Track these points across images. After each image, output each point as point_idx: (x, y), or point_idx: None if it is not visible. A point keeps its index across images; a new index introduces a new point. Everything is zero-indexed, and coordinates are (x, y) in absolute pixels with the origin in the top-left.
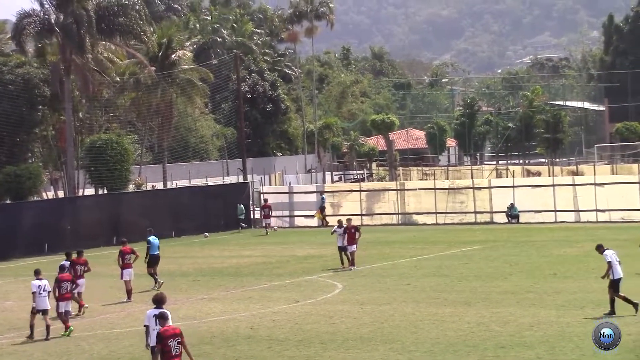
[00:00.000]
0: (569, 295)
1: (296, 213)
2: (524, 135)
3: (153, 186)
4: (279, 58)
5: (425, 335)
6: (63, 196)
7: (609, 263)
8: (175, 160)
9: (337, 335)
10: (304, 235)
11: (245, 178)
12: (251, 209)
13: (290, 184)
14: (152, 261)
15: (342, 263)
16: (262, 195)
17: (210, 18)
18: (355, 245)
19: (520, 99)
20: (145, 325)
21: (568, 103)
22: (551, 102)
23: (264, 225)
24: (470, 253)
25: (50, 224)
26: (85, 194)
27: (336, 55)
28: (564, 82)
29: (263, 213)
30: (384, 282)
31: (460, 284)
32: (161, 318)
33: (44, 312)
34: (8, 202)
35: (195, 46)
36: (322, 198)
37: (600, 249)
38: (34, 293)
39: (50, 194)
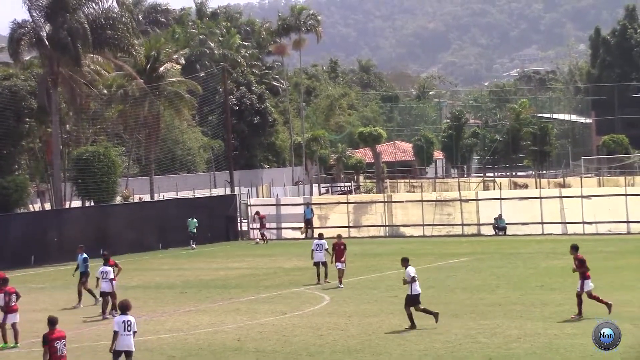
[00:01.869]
0: (556, 307)
1: (283, 225)
2: (511, 148)
3: (140, 198)
4: (266, 71)
5: (413, 347)
6: (50, 208)
7: (413, 278)
8: (163, 172)
9: (324, 347)
10: (291, 248)
11: (232, 190)
12: (238, 221)
13: (277, 196)
14: (87, 278)
15: (318, 279)
16: (249, 207)
17: (197, 31)
18: (344, 264)
19: (508, 111)
20: (114, 331)
21: (555, 116)
22: (538, 115)
23: (259, 235)
24: (457, 265)
25: (37, 236)
26: (72, 206)
27: (324, 68)
28: (551, 95)
29: (261, 223)
30: (372, 294)
31: (448, 296)
32: (50, 323)
33: None
34: None
35: (182, 58)
36: (308, 210)
37: (404, 262)
38: None
39: (37, 206)
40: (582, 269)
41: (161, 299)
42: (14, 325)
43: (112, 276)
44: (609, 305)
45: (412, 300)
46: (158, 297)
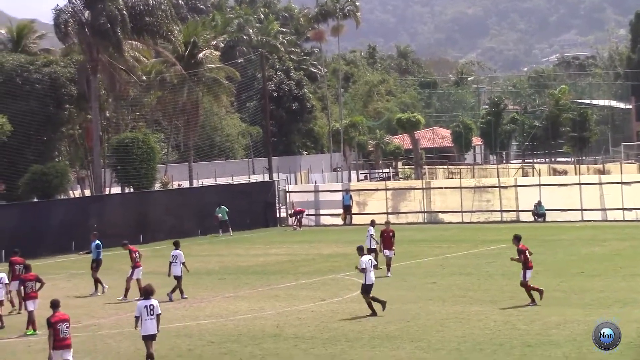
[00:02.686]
0: (596, 293)
1: (322, 212)
2: (550, 134)
3: (179, 185)
4: (304, 57)
5: (452, 334)
6: (90, 195)
7: (364, 269)
8: (201, 158)
9: (363, 333)
10: (330, 234)
11: (270, 177)
12: (277, 208)
13: (315, 183)
14: (99, 265)
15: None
16: (288, 194)
17: (235, 16)
18: (393, 251)
19: (547, 97)
20: (135, 317)
21: (594, 101)
22: (578, 101)
23: (295, 223)
24: (496, 252)
25: (78, 223)
26: (112, 192)
27: (362, 53)
28: (590, 81)
29: (297, 218)
30: (410, 281)
31: (487, 283)
32: (53, 306)
33: None
34: (35, 200)
35: (221, 45)
36: (347, 196)
37: (360, 251)
38: None
39: (77, 193)
40: (524, 258)
41: (200, 285)
42: (30, 313)
43: (183, 259)
44: (540, 292)
45: (367, 289)
46: (197, 283)
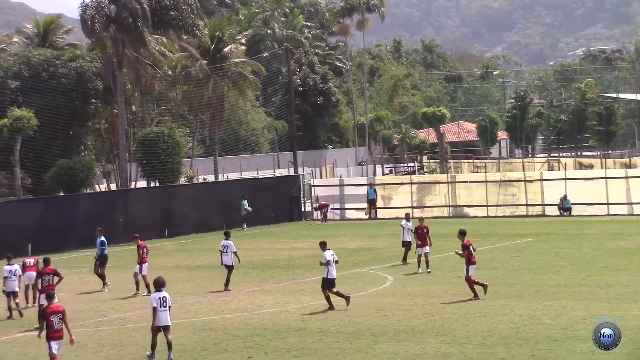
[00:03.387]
0: (622, 288)
1: (347, 205)
2: (576, 128)
3: (204, 179)
4: (329, 51)
5: (477, 328)
6: (116, 189)
7: (328, 262)
8: (227, 152)
9: (388, 327)
10: (355, 228)
11: (296, 171)
12: (302, 202)
13: (340, 177)
14: (104, 261)
15: (405, 260)
16: (313, 188)
17: (260, 11)
18: (428, 247)
19: (573, 91)
20: (153, 307)
21: (621, 95)
22: (604, 95)
23: (320, 217)
24: (521, 246)
25: (103, 216)
26: (138, 186)
27: (387, 48)
28: (617, 74)
29: (322, 212)
30: (435, 275)
31: (512, 277)
32: (48, 298)
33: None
34: (62, 194)
35: (246, 39)
36: (371, 190)
37: (322, 246)
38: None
39: (103, 187)
40: (467, 254)
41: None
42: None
43: (234, 249)
44: (484, 287)
45: (328, 284)
46: (223, 277)
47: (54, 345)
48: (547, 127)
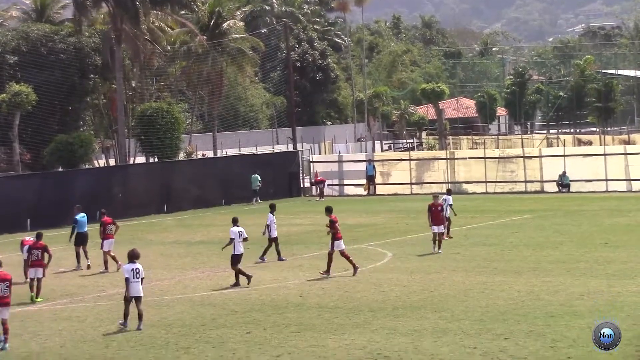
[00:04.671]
0: (620, 264)
1: (346, 182)
2: (575, 104)
3: (203, 154)
4: (328, 27)
5: (475, 304)
6: (114, 164)
7: (232, 239)
8: (226, 128)
9: (386, 303)
10: (354, 204)
11: (294, 147)
12: (301, 178)
13: (339, 153)
14: (80, 240)
15: (447, 233)
16: (312, 164)
17: None
18: (441, 227)
19: (572, 67)
20: (126, 278)
21: (620, 72)
22: (603, 71)
23: (317, 192)
24: (520, 222)
25: (102, 192)
26: (136, 162)
27: (386, 24)
28: (616, 51)
29: (319, 187)
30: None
31: (510, 253)
32: None
33: None
34: (60, 170)
35: (244, 15)
36: (370, 166)
37: (234, 222)
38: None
39: (102, 162)
40: (333, 229)
41: (224, 254)
42: (38, 280)
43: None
44: (355, 268)
45: (235, 260)
46: (221, 253)
47: (3, 313)
48: (546, 104)
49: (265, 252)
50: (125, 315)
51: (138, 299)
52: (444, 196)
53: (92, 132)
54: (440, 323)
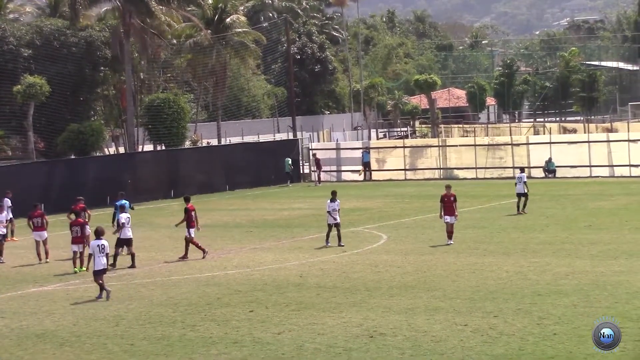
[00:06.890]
0: (603, 246)
1: (343, 168)
2: (560, 94)
3: (208, 142)
4: (326, 21)
5: (466, 284)
6: (124, 152)
7: (122, 224)
8: (229, 118)
9: (381, 283)
10: (351, 189)
11: (294, 135)
12: (300, 164)
13: (337, 141)
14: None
15: (518, 209)
16: (311, 151)
17: None
18: (453, 217)
19: (558, 59)
20: (89, 254)
21: (603, 63)
22: (587, 63)
23: (316, 177)
24: (508, 206)
25: (112, 178)
26: (145, 149)
27: (381, 18)
28: (599, 43)
29: (317, 165)
30: (427, 234)
31: (499, 235)
32: None
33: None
34: (72, 157)
35: (246, 9)
36: (366, 153)
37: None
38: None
39: (112, 150)
40: (188, 218)
41: (228, 237)
42: (81, 254)
43: (338, 208)
44: (204, 252)
45: (121, 243)
46: (225, 235)
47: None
48: (532, 94)
49: (327, 236)
50: (101, 288)
51: (102, 272)
52: (519, 174)
53: (102, 122)
54: (432, 302)
